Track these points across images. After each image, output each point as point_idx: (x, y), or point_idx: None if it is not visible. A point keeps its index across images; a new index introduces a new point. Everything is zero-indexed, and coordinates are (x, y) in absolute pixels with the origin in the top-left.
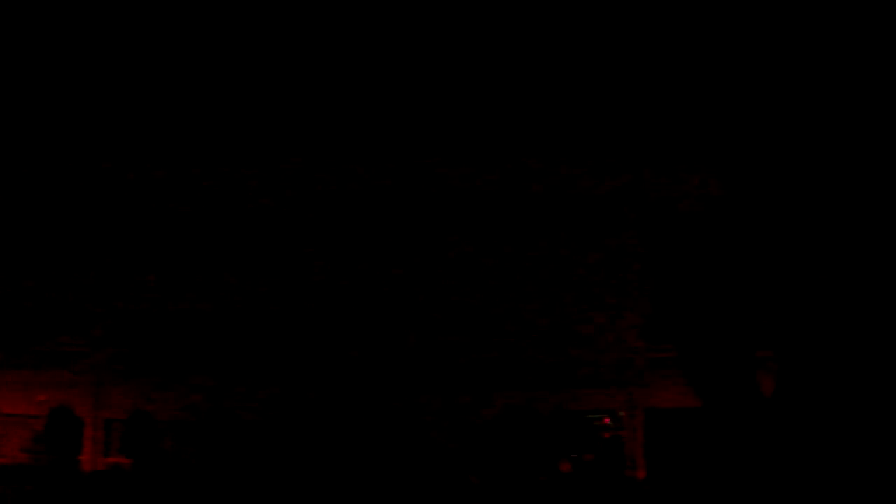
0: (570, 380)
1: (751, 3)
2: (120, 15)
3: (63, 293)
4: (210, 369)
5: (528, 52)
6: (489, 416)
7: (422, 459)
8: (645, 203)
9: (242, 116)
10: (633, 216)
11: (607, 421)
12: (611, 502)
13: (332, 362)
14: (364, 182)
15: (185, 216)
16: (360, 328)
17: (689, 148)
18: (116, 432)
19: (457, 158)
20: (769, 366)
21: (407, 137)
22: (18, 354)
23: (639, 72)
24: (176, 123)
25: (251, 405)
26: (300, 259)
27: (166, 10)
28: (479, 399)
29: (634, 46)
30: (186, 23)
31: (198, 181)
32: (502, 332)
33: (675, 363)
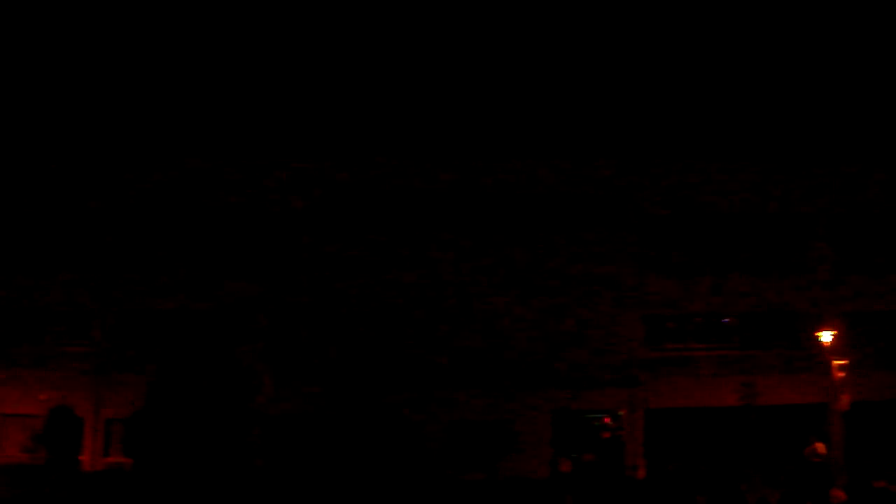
0: (571, 380)
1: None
2: (121, 16)
3: (63, 293)
4: (211, 369)
5: (530, 56)
6: (489, 417)
7: (419, 458)
8: (647, 202)
9: (243, 119)
10: (633, 216)
11: (607, 421)
12: (611, 502)
13: (331, 362)
14: (362, 183)
15: (184, 217)
16: (359, 328)
17: (692, 148)
18: (116, 432)
19: (458, 160)
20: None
21: (408, 139)
22: (18, 354)
23: (640, 74)
24: (176, 125)
25: (250, 403)
26: (299, 260)
27: (168, 13)
28: (479, 399)
29: (635, 49)
30: (188, 25)
31: (198, 182)
32: (502, 333)
33: (673, 363)
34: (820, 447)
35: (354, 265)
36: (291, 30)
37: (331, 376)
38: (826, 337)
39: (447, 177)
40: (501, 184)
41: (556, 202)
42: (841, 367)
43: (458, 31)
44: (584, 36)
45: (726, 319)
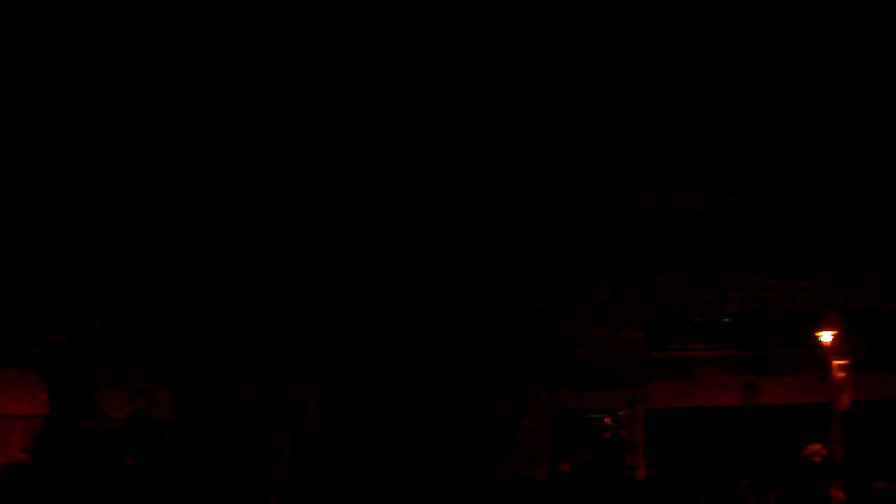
0: (571, 380)
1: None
2: (122, 16)
3: (62, 293)
4: (210, 369)
5: (530, 56)
6: (489, 417)
7: (418, 458)
8: (645, 203)
9: (243, 120)
10: (632, 216)
11: (607, 421)
12: (611, 502)
13: (331, 362)
14: (363, 184)
15: (183, 218)
16: (359, 329)
17: (690, 149)
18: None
19: (457, 160)
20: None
21: (410, 139)
22: (19, 354)
23: (639, 74)
24: (176, 126)
25: (250, 402)
26: (299, 261)
27: (168, 13)
28: (478, 399)
29: (635, 49)
30: (190, 25)
31: (198, 183)
32: (502, 333)
33: (673, 364)
34: (820, 447)
35: (352, 266)
36: (291, 29)
37: (330, 377)
38: (826, 337)
39: (447, 176)
40: (501, 183)
41: (556, 202)
42: (841, 367)
43: (456, 32)
44: (584, 35)
45: (726, 319)
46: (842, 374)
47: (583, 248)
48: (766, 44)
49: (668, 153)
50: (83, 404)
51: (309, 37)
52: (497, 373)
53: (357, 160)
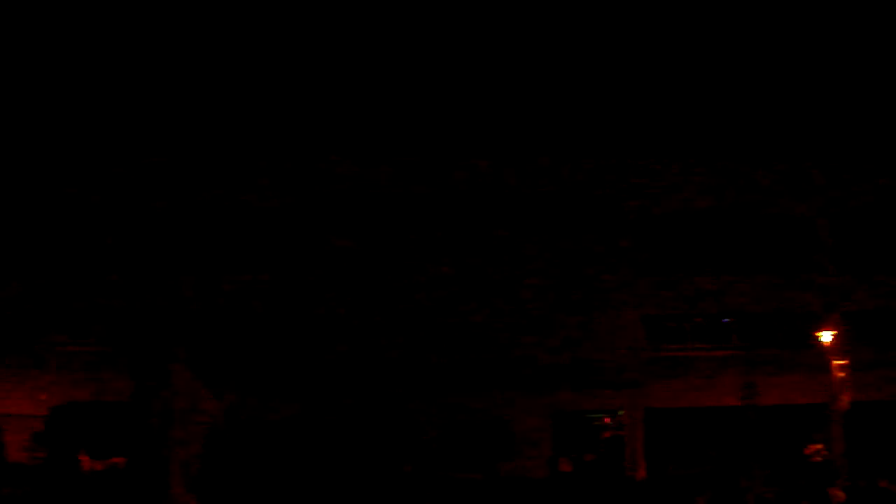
0: (571, 380)
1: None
2: (122, 17)
3: (62, 294)
4: (209, 369)
5: (531, 56)
6: (489, 416)
7: (418, 458)
8: (647, 202)
9: (243, 119)
10: (633, 216)
11: (607, 421)
12: (611, 502)
13: (330, 362)
14: (360, 184)
15: (183, 218)
16: (359, 329)
17: (692, 148)
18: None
19: (457, 159)
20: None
21: (409, 139)
22: (18, 354)
23: (638, 74)
24: (176, 125)
25: (249, 403)
26: (298, 262)
27: (169, 13)
28: (478, 399)
29: (635, 49)
30: (191, 25)
31: (197, 183)
32: (503, 333)
33: (674, 363)
34: (821, 447)
35: (351, 266)
36: (293, 29)
37: (329, 378)
38: (826, 337)
39: (446, 178)
40: (500, 185)
41: (555, 203)
42: (841, 367)
43: (454, 33)
44: (579, 36)
45: (726, 319)
46: (842, 374)
47: (583, 249)
48: (765, 44)
49: (668, 153)
50: None
51: (312, 38)
52: (497, 373)
53: (356, 160)
